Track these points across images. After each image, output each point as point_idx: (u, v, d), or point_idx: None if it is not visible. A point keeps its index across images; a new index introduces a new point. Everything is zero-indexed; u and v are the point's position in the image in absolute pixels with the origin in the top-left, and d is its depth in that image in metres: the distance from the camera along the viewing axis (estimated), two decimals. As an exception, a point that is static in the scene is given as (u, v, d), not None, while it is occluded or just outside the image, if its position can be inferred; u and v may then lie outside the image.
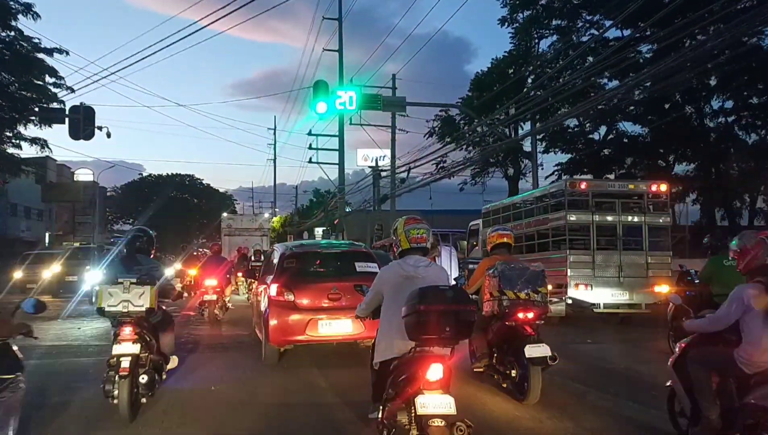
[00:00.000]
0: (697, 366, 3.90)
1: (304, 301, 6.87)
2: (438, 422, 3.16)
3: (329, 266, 7.48)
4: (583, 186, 10.91)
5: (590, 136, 24.27)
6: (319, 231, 37.72)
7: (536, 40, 24.76)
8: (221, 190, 68.49)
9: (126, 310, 4.72)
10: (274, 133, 55.17)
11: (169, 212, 55.78)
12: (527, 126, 24.49)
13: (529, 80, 23.49)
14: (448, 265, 11.57)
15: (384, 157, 30.01)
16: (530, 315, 5.41)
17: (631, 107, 20.84)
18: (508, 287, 5.53)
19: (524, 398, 5.22)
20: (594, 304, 10.45)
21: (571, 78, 18.28)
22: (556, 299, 10.75)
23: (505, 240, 6.07)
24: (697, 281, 4.65)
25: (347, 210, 32.36)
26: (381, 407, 3.63)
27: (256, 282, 9.40)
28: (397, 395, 3.46)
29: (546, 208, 11.82)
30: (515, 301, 5.49)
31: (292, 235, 43.38)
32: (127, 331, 4.67)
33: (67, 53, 23.69)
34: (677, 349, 4.20)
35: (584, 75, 16.88)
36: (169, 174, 65.00)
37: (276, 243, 16.17)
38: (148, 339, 4.92)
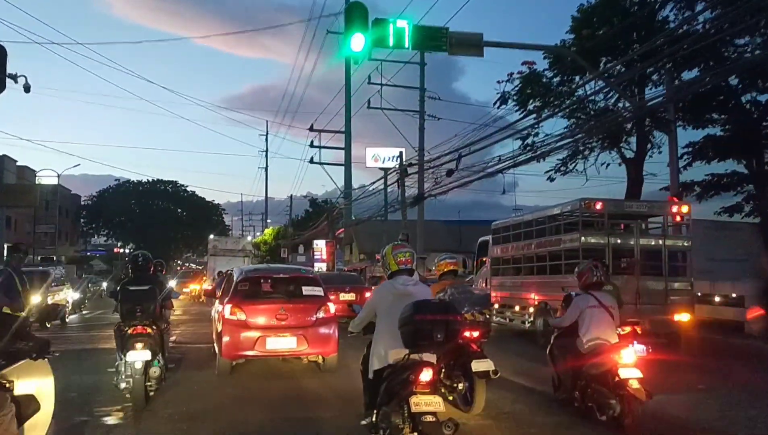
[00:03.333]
0: (557, 351, 7.11)
1: (255, 320, 9.00)
2: (430, 418, 4.32)
3: (279, 289, 9.75)
4: (598, 206, 11.89)
5: (747, 101, 18.74)
6: (320, 244, 39.31)
7: None
8: (208, 200, 70.64)
9: None
10: (266, 140, 57.79)
11: (150, 223, 58.03)
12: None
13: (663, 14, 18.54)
14: None
15: (396, 157, 31.11)
16: (476, 334, 6.93)
17: None
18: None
19: (470, 408, 6.75)
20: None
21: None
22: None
23: (452, 267, 7.73)
24: None
25: (352, 218, 33.66)
26: (375, 411, 4.76)
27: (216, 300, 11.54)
28: (391, 398, 4.60)
29: (559, 228, 12.85)
30: (463, 321, 6.82)
31: (287, 249, 45.06)
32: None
33: None
34: (551, 341, 7.38)
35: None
36: (150, 180, 67.11)
37: (267, 258, 18.65)
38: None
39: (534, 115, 18.82)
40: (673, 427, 6.48)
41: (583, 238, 11.99)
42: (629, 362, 6.11)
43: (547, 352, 7.40)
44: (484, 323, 7.19)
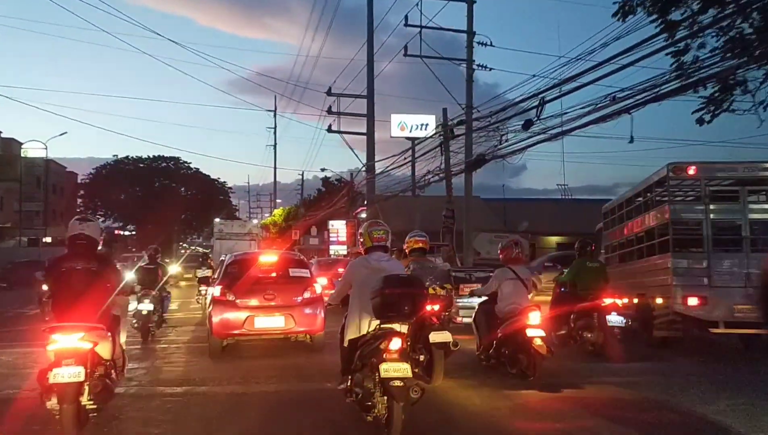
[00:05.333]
0: (480, 315, 8.99)
1: (243, 301, 10.33)
2: (398, 383, 5.08)
3: (266, 271, 11.06)
4: (691, 171, 10.95)
5: None
6: (337, 225, 38.24)
7: None
8: (213, 178, 70.68)
9: None
10: (275, 115, 57.36)
11: (152, 202, 57.37)
12: None
13: None
14: None
15: (426, 125, 29.46)
16: (436, 307, 7.82)
17: None
18: None
19: (431, 380, 7.51)
20: (711, 322, 10.79)
21: None
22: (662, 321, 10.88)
23: (420, 245, 8.64)
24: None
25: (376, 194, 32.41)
26: (350, 377, 5.68)
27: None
28: (364, 365, 5.48)
29: (650, 202, 12.16)
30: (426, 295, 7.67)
31: (297, 230, 44.49)
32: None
33: None
34: (476, 308, 9.33)
35: None
36: (150, 156, 67.14)
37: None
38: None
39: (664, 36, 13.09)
40: (572, 379, 8.07)
41: (672, 210, 11.10)
42: (535, 323, 7.85)
43: (473, 318, 9.19)
44: (445, 297, 8.22)
